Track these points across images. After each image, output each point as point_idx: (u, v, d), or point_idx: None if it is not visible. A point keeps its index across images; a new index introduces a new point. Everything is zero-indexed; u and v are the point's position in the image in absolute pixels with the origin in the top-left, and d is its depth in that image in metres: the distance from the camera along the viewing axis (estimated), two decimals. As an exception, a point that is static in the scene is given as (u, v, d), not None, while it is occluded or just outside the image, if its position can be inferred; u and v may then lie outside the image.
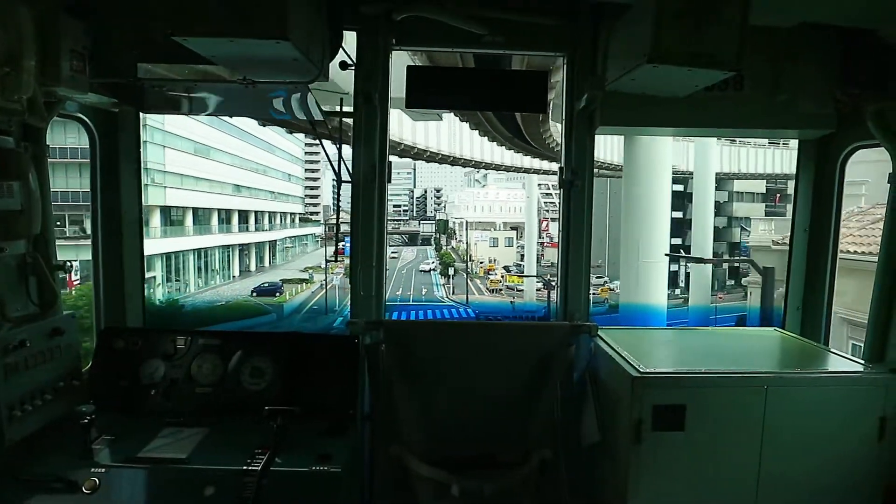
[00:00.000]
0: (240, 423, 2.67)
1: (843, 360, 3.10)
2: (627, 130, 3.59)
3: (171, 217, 33.46)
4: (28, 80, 2.33)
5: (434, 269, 47.26)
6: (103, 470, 2.28)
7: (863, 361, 3.04)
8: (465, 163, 30.30)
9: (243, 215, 40.43)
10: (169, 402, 2.83)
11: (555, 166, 3.53)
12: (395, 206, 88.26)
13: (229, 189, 37.60)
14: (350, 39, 3.18)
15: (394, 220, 79.90)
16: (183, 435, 2.55)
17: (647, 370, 2.78)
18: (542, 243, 45.49)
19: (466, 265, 46.13)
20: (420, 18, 3.09)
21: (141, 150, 3.37)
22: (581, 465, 3.23)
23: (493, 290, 39.67)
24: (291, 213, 57.56)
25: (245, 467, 2.30)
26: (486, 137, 25.61)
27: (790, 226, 3.69)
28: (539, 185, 43.64)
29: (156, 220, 31.36)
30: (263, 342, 3.01)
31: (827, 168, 3.46)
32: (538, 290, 24.98)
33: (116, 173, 3.29)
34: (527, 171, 34.51)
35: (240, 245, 38.82)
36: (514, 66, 7.54)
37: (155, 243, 29.61)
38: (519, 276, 39.15)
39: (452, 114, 21.47)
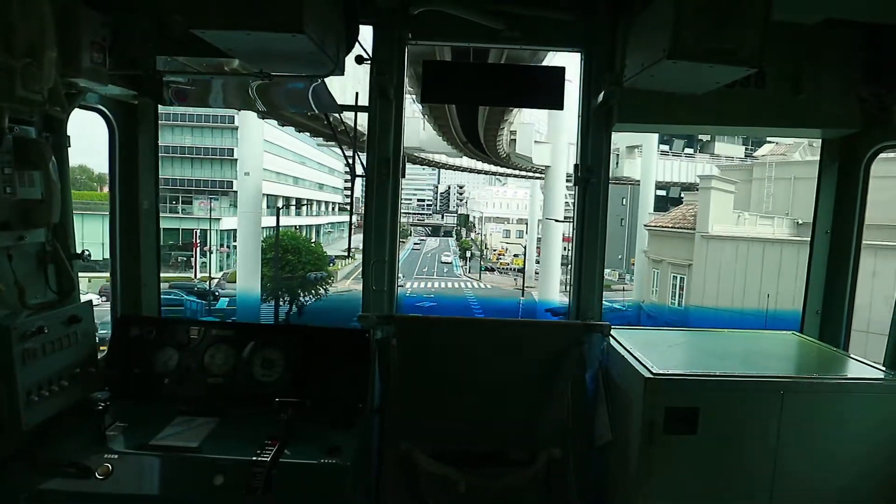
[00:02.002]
0: (250, 413, 2.69)
1: (863, 366, 3.01)
2: (645, 127, 3.53)
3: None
4: (49, 72, 2.35)
5: (453, 262, 54.67)
6: (116, 456, 2.32)
7: (884, 368, 2.96)
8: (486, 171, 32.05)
9: (297, 202, 49.02)
10: (181, 391, 2.87)
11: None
12: (419, 200, 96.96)
13: (290, 181, 46.20)
14: (366, 34, 3.18)
15: (418, 214, 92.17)
16: (195, 424, 2.58)
17: (661, 371, 2.73)
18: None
19: (481, 252, 55.67)
20: (436, 12, 3.07)
21: (158, 141, 3.41)
22: (591, 466, 3.20)
23: (501, 270, 49.50)
24: (332, 203, 64.08)
25: (254, 458, 2.31)
26: (443, 139, 26.62)
27: (811, 227, 3.60)
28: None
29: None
30: (275, 334, 3.04)
31: (851, 169, 3.36)
32: (536, 272, 29.06)
33: (135, 165, 3.33)
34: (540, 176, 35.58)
35: (295, 226, 45.02)
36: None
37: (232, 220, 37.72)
38: (522, 260, 45.62)
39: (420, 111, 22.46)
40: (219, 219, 39.72)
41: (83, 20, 2.64)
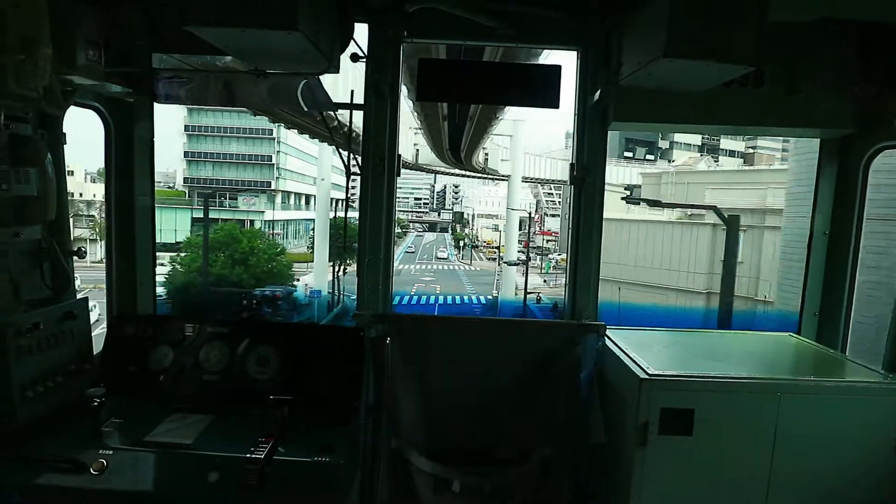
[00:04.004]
0: (245, 411, 2.69)
1: (861, 369, 3.00)
2: (641, 126, 3.51)
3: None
4: (44, 68, 2.35)
5: (449, 258, 61.70)
6: (111, 452, 2.32)
7: (882, 371, 2.95)
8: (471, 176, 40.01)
9: (313, 198, 54.09)
10: (176, 388, 2.87)
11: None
12: (416, 198, 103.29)
13: (310, 180, 50.76)
14: (361, 32, 3.18)
15: (416, 211, 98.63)
16: (189, 421, 2.58)
17: (656, 372, 2.72)
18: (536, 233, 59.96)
19: (472, 244, 67.81)
20: (431, 10, 3.07)
21: (154, 138, 3.41)
22: (584, 466, 3.20)
23: (488, 257, 57.90)
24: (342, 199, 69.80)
25: (249, 455, 2.31)
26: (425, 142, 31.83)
27: (809, 228, 3.59)
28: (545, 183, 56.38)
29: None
30: (270, 332, 3.04)
31: (849, 169, 3.34)
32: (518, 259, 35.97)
33: (130, 163, 3.33)
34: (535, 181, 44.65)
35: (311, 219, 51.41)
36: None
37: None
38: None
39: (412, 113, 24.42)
40: (262, 211, 46.27)
41: (78, 17, 2.65)
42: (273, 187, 47.56)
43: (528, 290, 28.15)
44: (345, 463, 2.38)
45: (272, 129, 46.77)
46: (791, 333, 3.62)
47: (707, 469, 2.70)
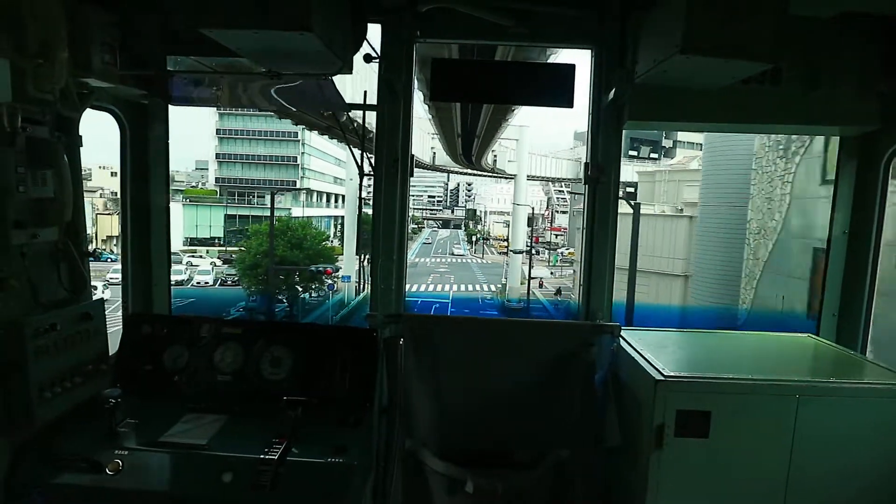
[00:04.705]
0: (258, 411, 2.70)
1: (881, 371, 2.93)
2: (657, 125, 3.46)
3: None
4: (61, 71, 2.39)
5: (464, 253, 66.05)
6: (126, 452, 2.35)
7: None
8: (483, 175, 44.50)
9: (333, 196, 58.37)
10: (191, 389, 2.89)
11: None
12: (429, 196, 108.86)
13: (330, 179, 56.86)
14: (374, 32, 3.18)
15: (430, 209, 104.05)
16: (204, 421, 2.60)
17: (672, 374, 2.68)
18: (546, 228, 64.09)
19: (485, 239, 73.47)
20: (444, 10, 3.05)
21: (169, 140, 3.44)
22: (599, 468, 3.16)
23: (499, 251, 60.86)
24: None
25: (262, 456, 2.32)
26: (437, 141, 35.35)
27: (828, 227, 3.52)
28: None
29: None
30: (284, 333, 3.04)
31: (870, 168, 3.27)
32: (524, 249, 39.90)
33: (146, 165, 3.36)
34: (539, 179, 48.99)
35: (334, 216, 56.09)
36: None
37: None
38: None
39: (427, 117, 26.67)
40: (289, 209, 48.49)
41: (94, 20, 2.67)
42: (298, 186, 51.86)
43: (532, 277, 35.10)
44: (358, 464, 2.38)
45: (297, 132, 50.10)
46: (810, 334, 3.56)
47: (724, 472, 2.65)
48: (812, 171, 12.87)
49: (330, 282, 28.06)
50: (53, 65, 2.33)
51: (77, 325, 2.67)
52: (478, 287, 40.91)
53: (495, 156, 38.72)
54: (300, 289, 27.25)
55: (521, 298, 33.14)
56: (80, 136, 2.85)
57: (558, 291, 37.45)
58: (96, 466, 2.28)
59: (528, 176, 41.85)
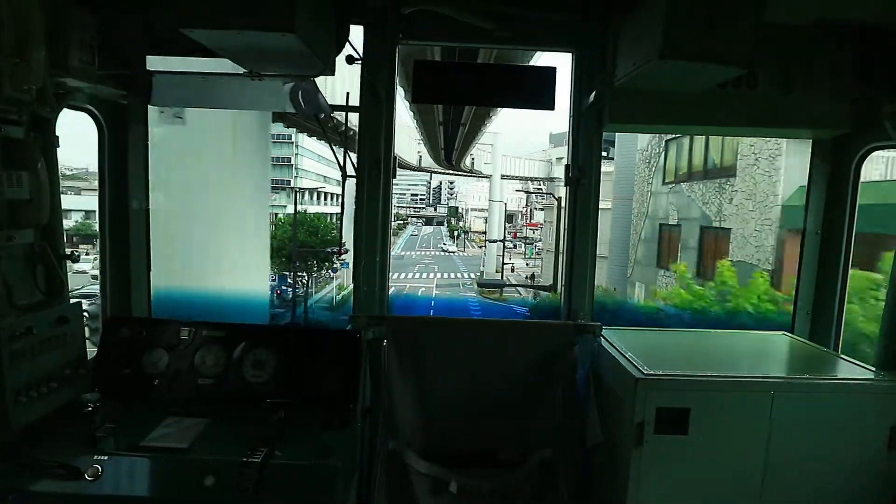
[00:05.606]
0: (241, 414, 2.68)
1: (853, 367, 3.03)
2: (636, 128, 3.54)
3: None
4: (38, 71, 2.33)
5: (455, 251, 70.95)
6: (106, 457, 2.30)
7: (874, 369, 2.98)
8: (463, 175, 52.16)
9: (323, 194, 59.51)
10: (172, 392, 2.85)
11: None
12: (412, 194, 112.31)
13: (321, 178, 58.08)
14: (357, 34, 3.18)
15: (413, 207, 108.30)
16: (185, 425, 2.56)
17: (652, 372, 2.74)
18: (524, 224, 69.31)
19: (465, 234, 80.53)
20: (427, 12, 3.07)
21: (148, 142, 3.39)
22: (582, 466, 3.21)
23: (479, 245, 66.24)
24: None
25: (245, 459, 2.30)
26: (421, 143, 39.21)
27: (802, 228, 3.62)
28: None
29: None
30: (266, 335, 3.02)
31: (841, 169, 3.38)
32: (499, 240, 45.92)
33: (124, 165, 3.31)
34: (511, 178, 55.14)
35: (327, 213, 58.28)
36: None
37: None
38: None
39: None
40: (284, 206, 50.11)
41: (72, 19, 2.62)
42: (292, 185, 53.07)
43: (505, 263, 42.34)
44: (342, 466, 2.37)
45: (290, 135, 52.34)
46: (784, 332, 3.66)
47: (703, 467, 2.72)
48: (658, 176, 19.92)
49: (342, 260, 31.79)
50: (30, 64, 2.28)
51: (54, 328, 2.61)
52: (458, 275, 46.04)
53: (473, 158, 44.39)
54: (316, 266, 33.97)
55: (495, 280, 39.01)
56: (57, 137, 2.79)
57: (532, 276, 41.48)
58: (75, 472, 2.24)
59: (502, 175, 49.51)
